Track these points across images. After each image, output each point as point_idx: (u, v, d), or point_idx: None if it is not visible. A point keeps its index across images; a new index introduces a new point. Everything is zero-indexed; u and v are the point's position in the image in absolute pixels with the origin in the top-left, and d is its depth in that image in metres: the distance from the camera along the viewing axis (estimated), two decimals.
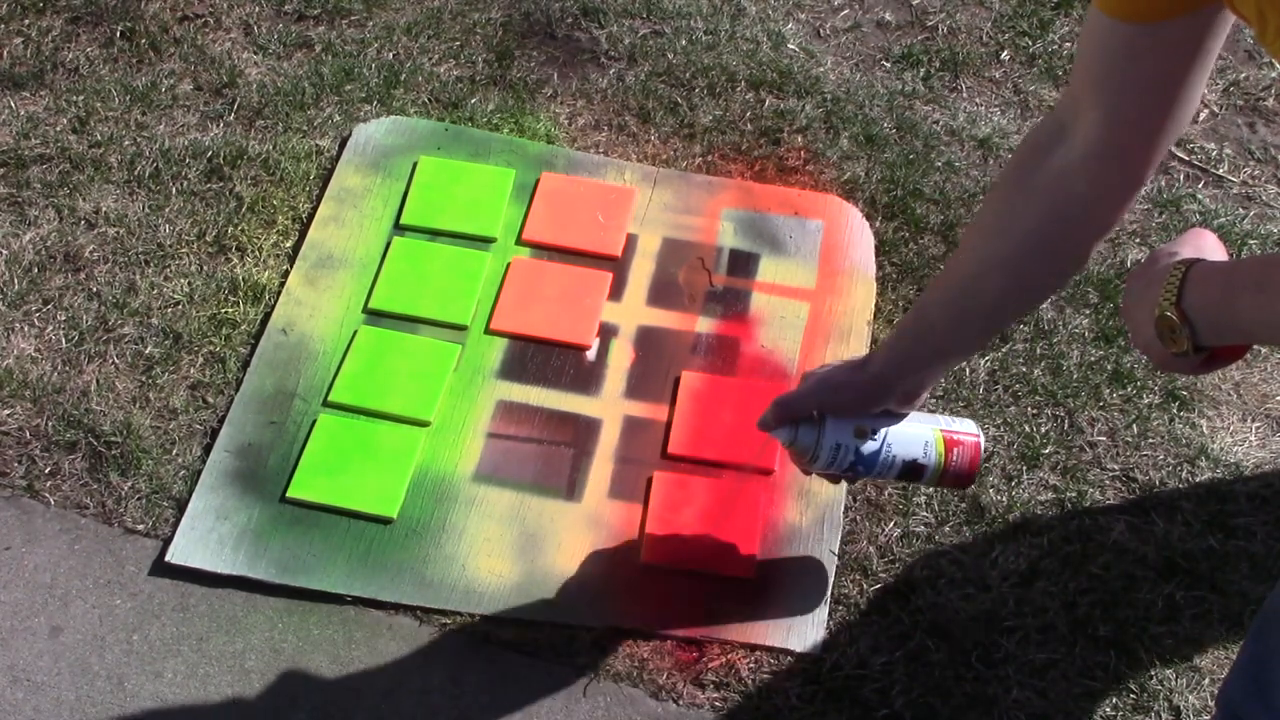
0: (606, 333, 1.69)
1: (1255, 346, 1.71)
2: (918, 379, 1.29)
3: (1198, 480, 1.59)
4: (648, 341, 1.69)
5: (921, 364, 1.26)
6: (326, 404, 1.62)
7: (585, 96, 1.95)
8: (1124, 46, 0.96)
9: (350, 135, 1.88)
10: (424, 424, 1.61)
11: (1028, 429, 1.62)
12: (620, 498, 1.55)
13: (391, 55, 1.99)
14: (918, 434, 1.34)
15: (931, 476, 1.36)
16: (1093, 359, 1.68)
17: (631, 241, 1.78)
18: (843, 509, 1.55)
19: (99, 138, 1.87)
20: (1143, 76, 0.96)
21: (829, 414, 1.31)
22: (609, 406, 1.63)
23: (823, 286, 1.73)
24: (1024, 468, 1.59)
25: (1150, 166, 1.02)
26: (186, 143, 1.86)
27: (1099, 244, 1.11)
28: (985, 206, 1.16)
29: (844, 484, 1.56)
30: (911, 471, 1.35)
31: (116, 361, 1.65)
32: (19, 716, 1.40)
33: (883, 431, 1.32)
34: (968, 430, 1.37)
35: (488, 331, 1.69)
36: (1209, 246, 0.98)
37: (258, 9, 2.04)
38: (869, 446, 1.32)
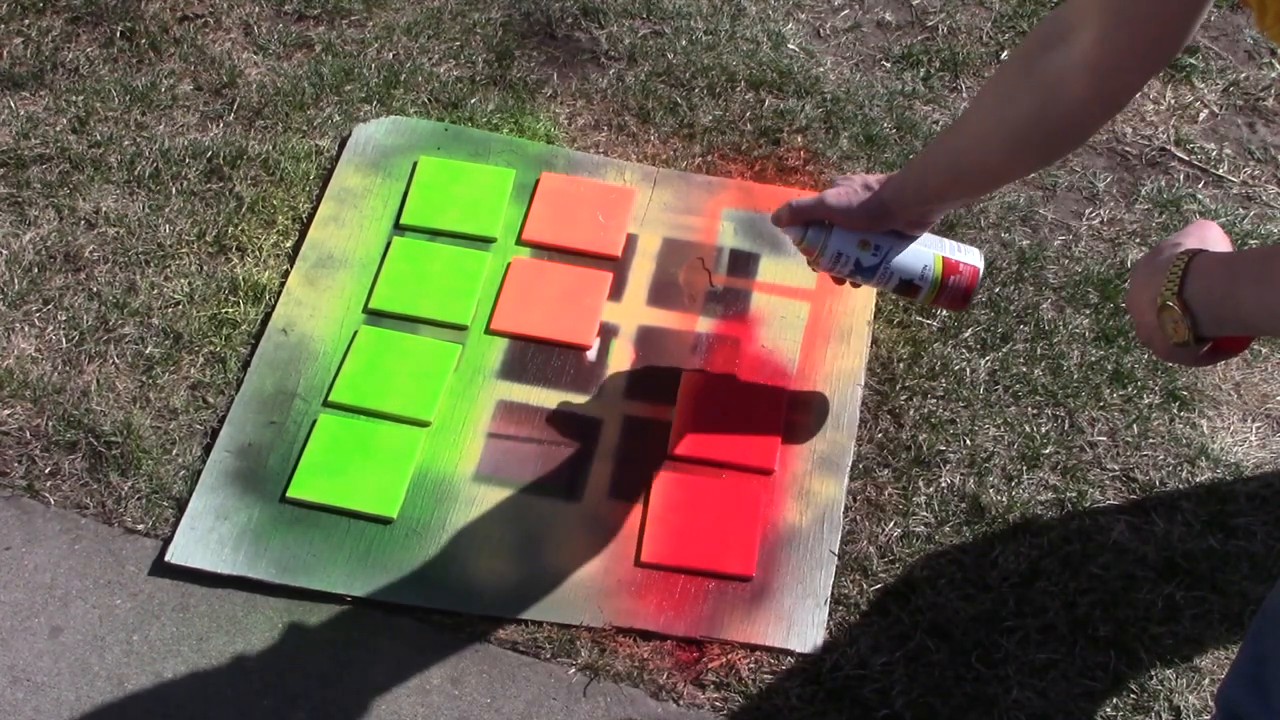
0: (607, 333, 1.69)
1: (1256, 343, 1.71)
2: (920, 212, 1.40)
3: (1198, 480, 1.59)
4: (648, 341, 1.69)
5: (923, 201, 1.37)
6: (327, 404, 1.62)
7: (585, 96, 1.95)
8: None
9: (350, 135, 1.88)
10: (424, 424, 1.61)
11: (1028, 429, 1.62)
12: (620, 498, 1.55)
13: (391, 55, 1.99)
14: (919, 256, 1.44)
15: (926, 296, 1.47)
16: (1093, 359, 1.68)
17: (631, 241, 1.78)
18: (843, 509, 1.55)
19: (99, 138, 1.87)
20: (1142, 10, 1.01)
21: (836, 223, 1.41)
22: (609, 406, 1.63)
23: (823, 286, 1.73)
24: (1024, 468, 1.59)
25: (1135, 91, 1.10)
26: (186, 143, 1.86)
27: (1087, 137, 1.19)
28: (989, 85, 1.23)
29: (844, 483, 1.56)
30: (908, 288, 1.46)
31: (117, 361, 1.65)
32: (19, 716, 1.40)
33: (886, 247, 1.43)
34: (970, 259, 1.47)
35: (488, 331, 1.69)
36: (1213, 238, 0.99)
37: (258, 9, 2.04)
38: (869, 260, 1.43)
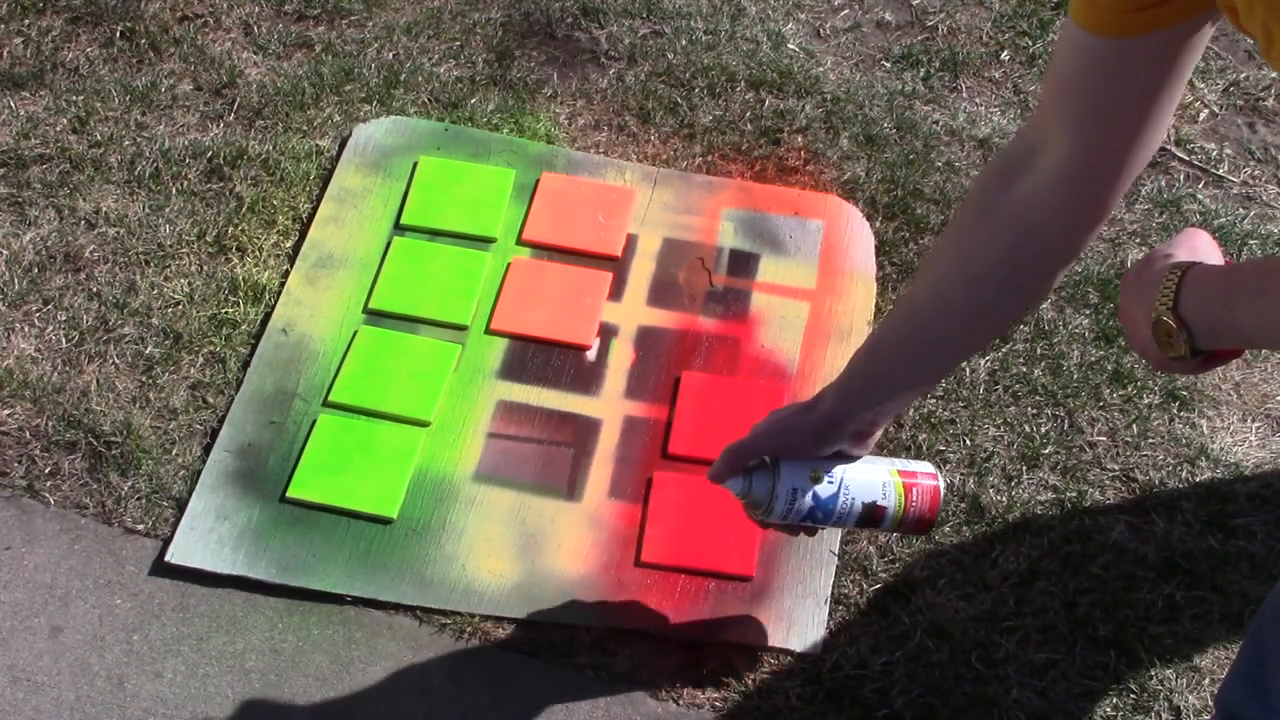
0: (607, 333, 1.69)
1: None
2: (871, 415, 1.23)
3: (1198, 480, 1.59)
4: (648, 341, 1.69)
5: (875, 401, 1.21)
6: (326, 404, 1.62)
7: (585, 96, 1.95)
8: (1099, 63, 0.93)
9: (350, 135, 1.88)
10: (424, 424, 1.61)
11: (1028, 429, 1.62)
12: (620, 498, 1.55)
13: (391, 55, 1.99)
14: (874, 475, 1.29)
15: (892, 520, 1.30)
16: (1093, 359, 1.68)
17: (631, 241, 1.78)
18: None
19: (99, 138, 1.87)
20: (1116, 96, 0.95)
21: (782, 458, 1.25)
22: (609, 406, 1.63)
23: (823, 286, 1.73)
24: (1024, 468, 1.59)
25: (1119, 192, 1.00)
26: (186, 143, 1.86)
27: (1063, 273, 1.09)
28: (945, 238, 1.13)
29: None
30: (872, 515, 1.29)
31: (116, 361, 1.65)
32: (19, 716, 1.40)
33: (838, 473, 1.26)
34: (925, 470, 1.32)
35: (488, 331, 1.69)
36: (1203, 247, 0.98)
37: (258, 9, 2.04)
38: (825, 490, 1.26)
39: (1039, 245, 1.04)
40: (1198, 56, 0.94)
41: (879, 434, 1.27)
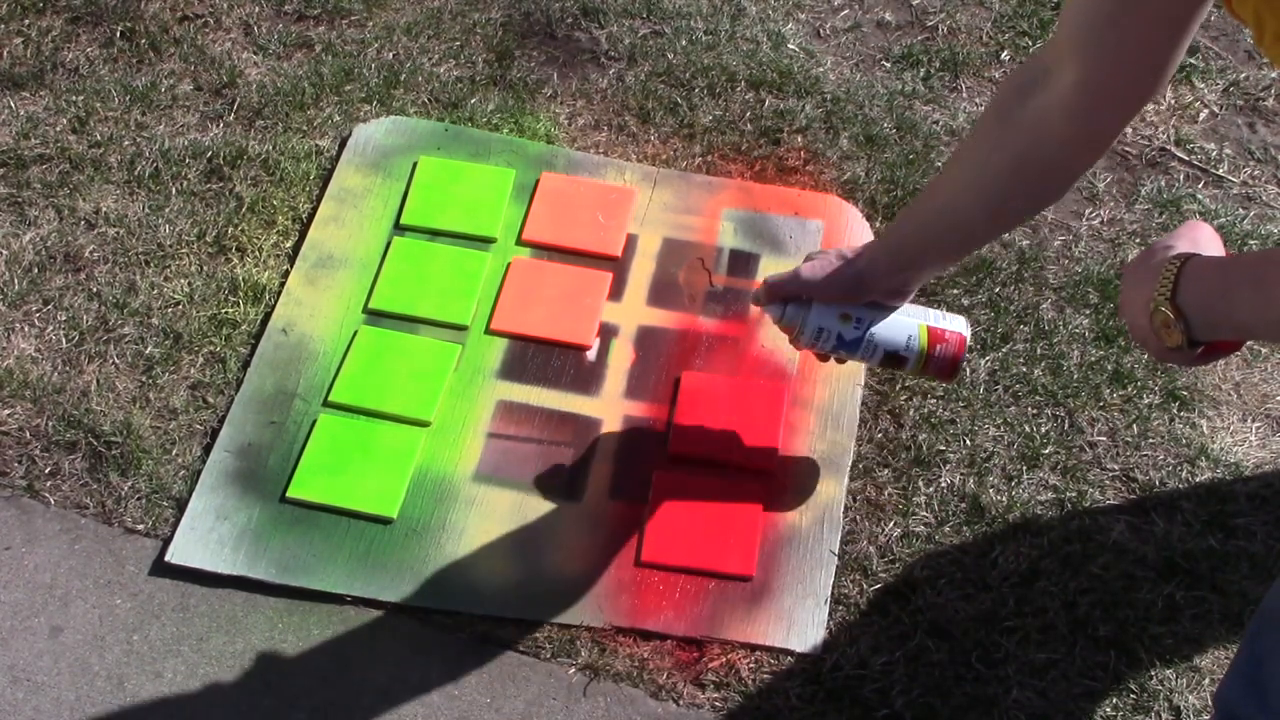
0: (607, 333, 1.69)
1: (1256, 343, 1.71)
2: (900, 280, 1.35)
3: (1198, 480, 1.59)
4: (648, 341, 1.69)
5: (901, 268, 1.33)
6: (326, 404, 1.62)
7: (585, 96, 1.95)
8: (1111, 11, 0.97)
9: (350, 135, 1.88)
10: (424, 424, 1.61)
11: (1028, 429, 1.62)
12: (620, 498, 1.55)
13: (391, 55, 1.99)
14: (902, 326, 1.40)
15: (914, 367, 1.42)
16: (1093, 359, 1.68)
17: (631, 241, 1.78)
18: (843, 509, 1.55)
19: (99, 138, 1.87)
20: (1124, 45, 0.98)
21: (815, 299, 1.37)
22: (609, 406, 1.63)
23: None
24: (1024, 468, 1.59)
25: (1124, 123, 1.07)
26: (186, 143, 1.86)
27: (1070, 187, 1.16)
28: (964, 143, 1.21)
29: (844, 483, 1.56)
30: (894, 360, 1.41)
31: (116, 361, 1.66)
32: (19, 716, 1.40)
33: (867, 320, 1.38)
34: (955, 326, 1.42)
35: (488, 331, 1.69)
36: (1205, 239, 0.98)
37: (258, 9, 2.04)
38: (850, 333, 1.38)
39: (1046, 156, 1.10)
40: (1206, 11, 0.97)
41: (912, 293, 1.39)
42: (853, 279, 1.35)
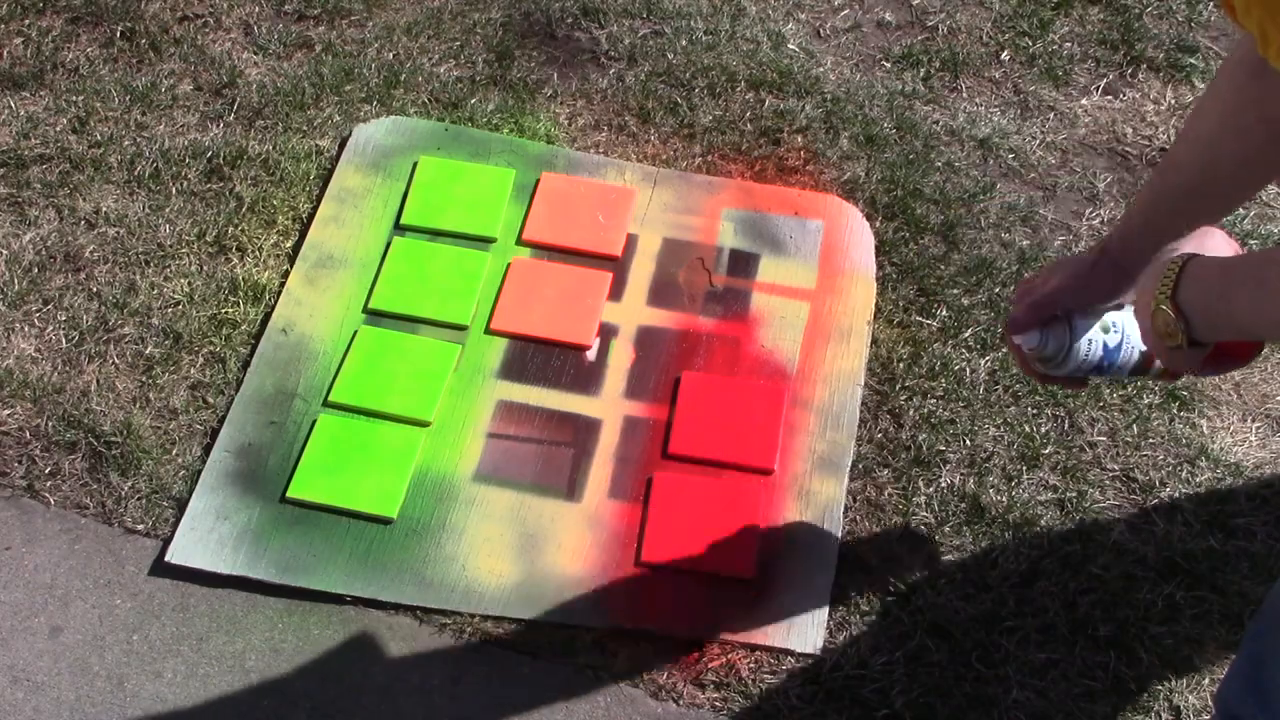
0: (606, 333, 1.69)
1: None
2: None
3: (1198, 480, 1.59)
4: (648, 341, 1.69)
5: (1155, 244, 1.17)
6: (326, 404, 1.62)
7: (585, 96, 1.95)
8: None
9: (350, 135, 1.88)
10: (424, 424, 1.61)
11: (1028, 429, 1.62)
12: (620, 498, 1.55)
13: (391, 55, 1.99)
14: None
15: (1158, 369, 1.25)
16: None
17: (631, 241, 1.78)
18: (843, 509, 1.55)
19: (99, 138, 1.87)
20: None
21: (1076, 309, 1.21)
22: (609, 406, 1.63)
23: (823, 286, 1.73)
24: (1024, 468, 1.59)
25: None
26: (186, 143, 1.86)
27: None
28: (1209, 97, 1.10)
29: (844, 483, 1.56)
30: (1144, 363, 1.24)
31: (116, 361, 1.65)
32: (19, 716, 1.40)
33: (1120, 322, 1.22)
34: None
35: (488, 331, 1.69)
36: (1215, 244, 0.98)
37: (258, 9, 2.04)
38: (1111, 340, 1.21)
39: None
40: None
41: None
42: (1109, 269, 1.19)
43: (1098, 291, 1.21)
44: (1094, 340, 1.21)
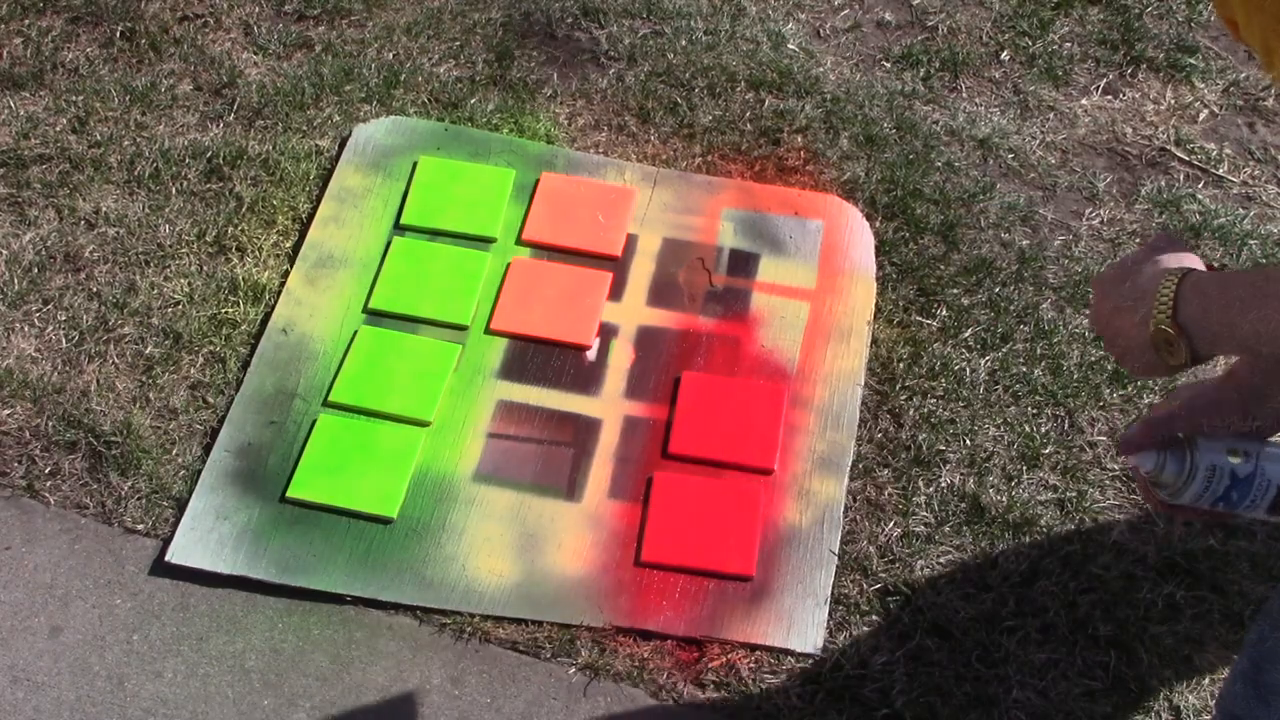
0: (606, 333, 1.69)
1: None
2: None
3: None
4: (648, 341, 1.69)
5: None
6: (326, 404, 1.62)
7: (585, 96, 1.95)
8: None
9: (350, 135, 1.88)
10: (424, 424, 1.61)
11: (1028, 429, 1.62)
12: (620, 498, 1.55)
13: (391, 55, 1.98)
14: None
15: None
16: (1093, 359, 1.68)
17: (631, 241, 1.78)
18: (843, 509, 1.55)
19: (99, 138, 1.87)
20: None
21: (1200, 434, 1.09)
22: (609, 406, 1.63)
23: (823, 286, 1.73)
24: (1024, 468, 1.59)
25: None
26: (186, 143, 1.86)
27: None
28: None
29: (844, 483, 1.56)
30: None
31: (116, 361, 1.65)
32: (19, 716, 1.40)
33: (1254, 450, 1.09)
34: None
35: (488, 331, 1.69)
36: (1186, 255, 0.95)
37: (258, 9, 2.04)
38: (1244, 469, 1.08)
39: None
40: None
41: None
42: (1247, 390, 1.08)
43: (1226, 415, 1.09)
44: (1220, 468, 1.08)
